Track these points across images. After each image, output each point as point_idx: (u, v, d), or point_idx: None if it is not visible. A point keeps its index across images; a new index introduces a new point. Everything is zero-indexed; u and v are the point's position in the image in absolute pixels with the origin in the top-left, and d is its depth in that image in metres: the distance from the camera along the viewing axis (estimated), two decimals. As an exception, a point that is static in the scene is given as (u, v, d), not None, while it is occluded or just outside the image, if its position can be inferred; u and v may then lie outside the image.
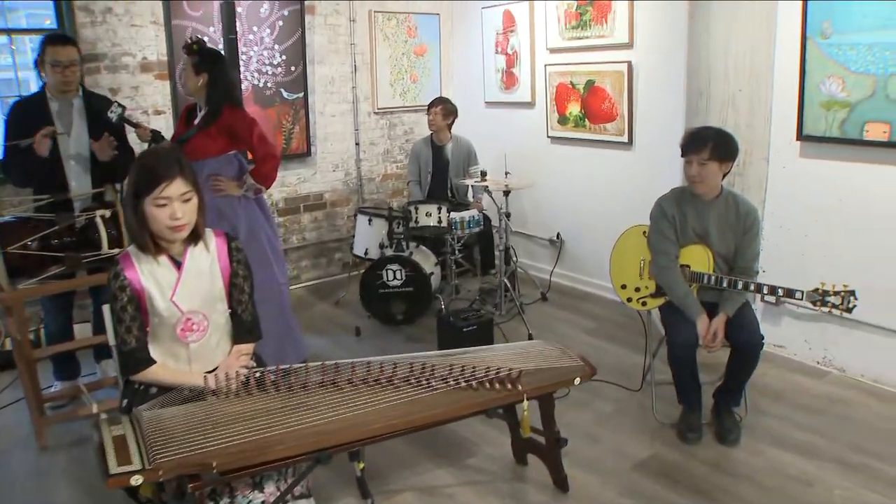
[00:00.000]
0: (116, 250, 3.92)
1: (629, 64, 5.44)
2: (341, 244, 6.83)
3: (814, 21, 4.28)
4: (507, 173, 5.73)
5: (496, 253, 5.81)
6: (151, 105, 5.65)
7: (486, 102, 6.93)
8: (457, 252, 5.79)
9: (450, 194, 6.11)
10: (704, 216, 3.82)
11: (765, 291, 3.66)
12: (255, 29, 6.02)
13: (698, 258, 3.85)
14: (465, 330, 4.84)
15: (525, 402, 3.00)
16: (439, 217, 5.50)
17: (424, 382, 2.92)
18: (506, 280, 5.56)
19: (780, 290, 3.61)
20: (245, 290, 2.98)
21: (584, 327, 5.42)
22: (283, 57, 6.20)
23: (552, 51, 6.09)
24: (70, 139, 4.30)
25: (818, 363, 4.68)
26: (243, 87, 6.05)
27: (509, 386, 2.96)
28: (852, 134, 4.23)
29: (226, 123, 4.32)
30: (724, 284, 3.73)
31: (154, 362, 2.76)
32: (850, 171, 4.34)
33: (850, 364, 4.54)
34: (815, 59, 4.33)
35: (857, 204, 4.34)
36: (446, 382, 2.93)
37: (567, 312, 5.75)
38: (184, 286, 2.75)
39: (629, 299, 4.17)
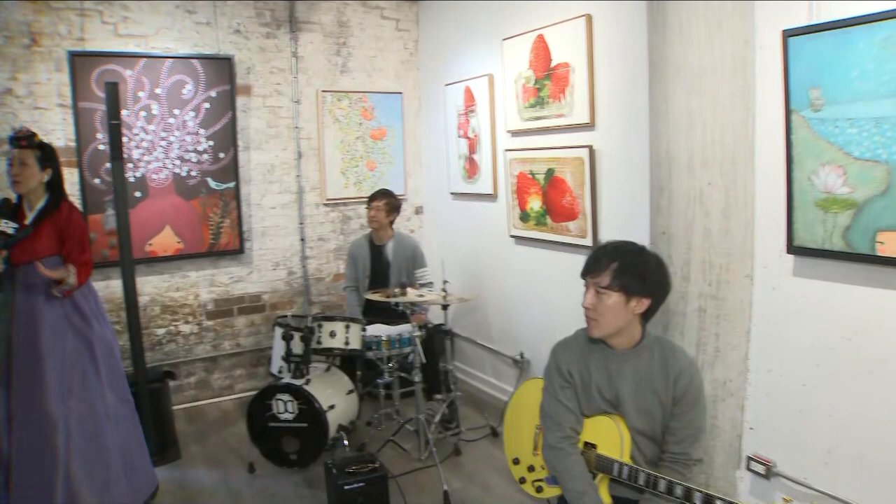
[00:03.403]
0: None
1: (590, 149, 4.05)
2: (283, 353, 5.53)
3: (798, 88, 2.84)
4: (445, 282, 4.38)
5: (440, 377, 4.51)
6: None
7: (451, 193, 5.62)
8: (386, 375, 4.44)
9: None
10: (616, 374, 2.40)
11: (696, 501, 2.16)
12: (176, 112, 4.96)
13: (608, 435, 2.39)
14: (346, 488, 3.45)
15: None
16: (346, 338, 4.18)
17: None
18: (422, 418, 4.15)
19: (718, 503, 2.12)
20: None
21: (527, 481, 3.90)
22: (211, 142, 5.10)
23: (513, 133, 4.77)
24: None
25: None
26: (162, 176, 4.97)
27: None
28: (860, 247, 2.71)
29: (63, 220, 3.56)
30: (641, 482, 2.26)
31: None
32: (863, 299, 2.81)
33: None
34: (803, 141, 2.86)
35: (875, 344, 2.78)
36: None
37: (514, 456, 4.23)
38: None
39: (522, 479, 2.73)
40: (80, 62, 4.66)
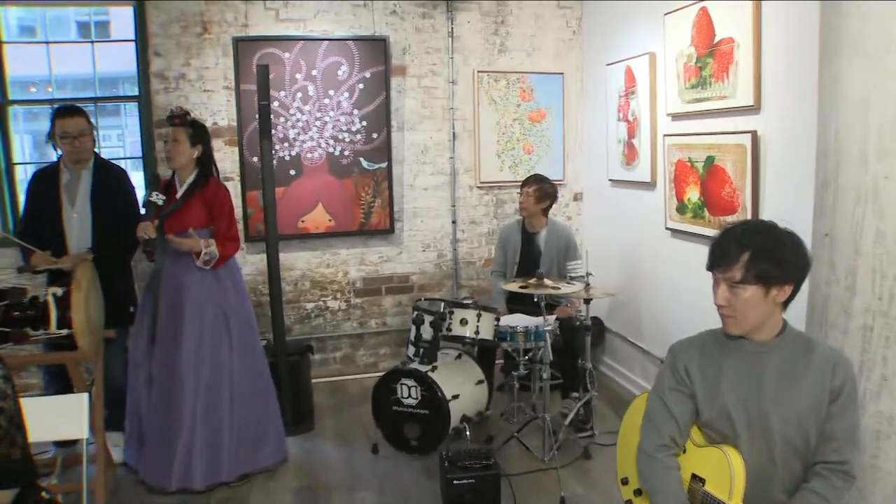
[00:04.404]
0: (64, 331, 3.35)
1: (754, 135, 3.56)
2: (428, 334, 5.46)
3: None
4: (588, 274, 4.07)
5: (579, 374, 4.21)
6: (220, 172, 4.82)
7: (610, 180, 5.23)
8: (521, 368, 4.22)
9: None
10: (755, 367, 2.06)
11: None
12: (331, 93, 5.01)
13: (718, 471, 2.04)
14: (455, 483, 3.30)
15: None
16: (477, 327, 4.00)
17: None
18: (548, 418, 3.85)
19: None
20: (2, 425, 2.00)
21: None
22: (364, 123, 5.11)
23: (673, 117, 4.33)
24: (74, 210, 3.95)
25: None
26: (316, 155, 5.05)
27: None
28: None
29: (211, 195, 3.74)
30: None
31: None
32: None
33: None
34: None
35: None
36: None
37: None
38: None
39: (629, 503, 2.42)
40: (244, 47, 4.84)
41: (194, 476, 3.53)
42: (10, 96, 4.73)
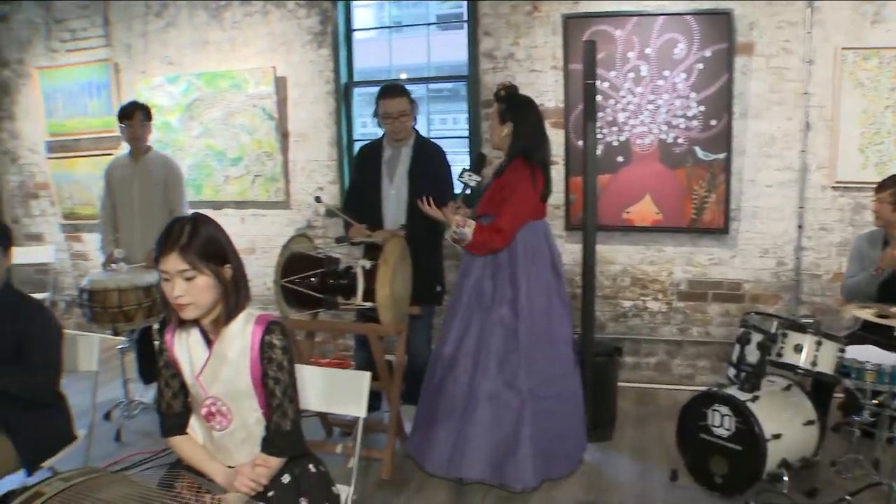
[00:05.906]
0: (368, 304, 3.60)
1: None
2: (755, 351, 4.83)
3: None
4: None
5: None
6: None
7: None
8: (866, 413, 3.52)
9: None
10: None
11: None
12: (665, 73, 4.63)
13: None
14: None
15: None
16: (815, 357, 3.38)
17: None
18: (894, 485, 3.09)
19: None
20: (277, 395, 2.18)
21: None
22: (701, 108, 4.62)
23: None
24: (392, 186, 4.16)
25: None
26: (647, 141, 4.72)
27: None
28: None
29: (504, 180, 3.60)
30: None
31: (182, 433, 2.30)
32: None
33: None
34: None
35: None
36: None
37: None
38: (211, 368, 2.18)
39: None
40: (573, 24, 4.69)
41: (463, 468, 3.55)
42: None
